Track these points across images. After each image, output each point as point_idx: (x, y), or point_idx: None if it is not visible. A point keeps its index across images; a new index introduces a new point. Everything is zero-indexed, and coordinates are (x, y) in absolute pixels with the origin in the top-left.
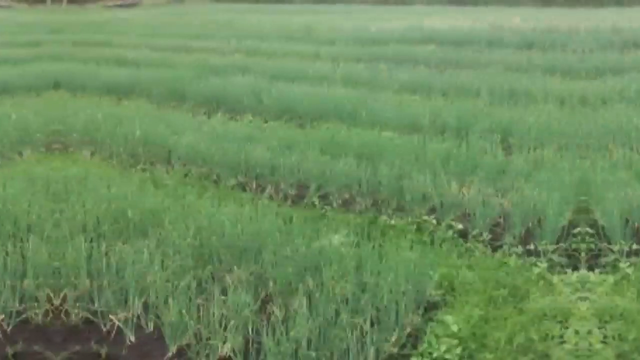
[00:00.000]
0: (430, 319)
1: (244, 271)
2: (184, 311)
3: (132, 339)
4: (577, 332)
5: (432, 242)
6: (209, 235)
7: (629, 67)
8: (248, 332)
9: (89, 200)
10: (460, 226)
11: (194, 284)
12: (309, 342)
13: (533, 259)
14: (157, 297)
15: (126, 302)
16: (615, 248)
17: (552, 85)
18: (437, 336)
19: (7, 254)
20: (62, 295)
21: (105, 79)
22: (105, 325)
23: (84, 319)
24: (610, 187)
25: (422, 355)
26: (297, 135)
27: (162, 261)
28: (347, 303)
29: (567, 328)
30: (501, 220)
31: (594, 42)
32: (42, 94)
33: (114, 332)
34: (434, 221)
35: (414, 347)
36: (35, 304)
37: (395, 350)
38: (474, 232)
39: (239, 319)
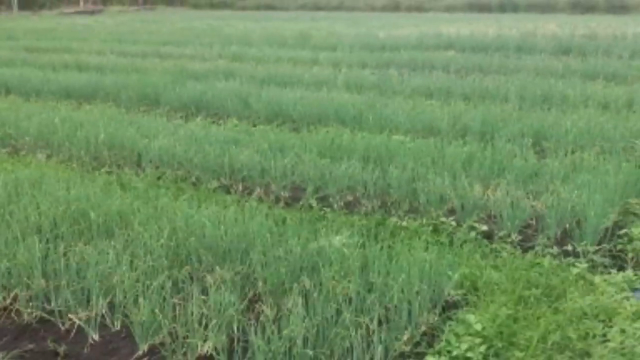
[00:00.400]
0: (449, 318)
1: (228, 271)
2: (156, 310)
3: (96, 337)
4: (623, 331)
5: (451, 243)
6: (186, 236)
7: None
8: (233, 331)
9: (45, 202)
10: (484, 228)
11: (168, 284)
12: (305, 340)
13: (571, 259)
14: (125, 296)
15: (88, 301)
16: None
17: (594, 90)
18: (457, 335)
19: None
20: (12, 295)
21: (63, 83)
22: (63, 324)
23: (39, 318)
24: None
25: (439, 353)
26: (290, 139)
27: (131, 262)
28: (350, 302)
29: (611, 327)
30: (533, 222)
31: None
32: None
33: (74, 331)
34: (453, 223)
35: (430, 345)
36: None
37: (407, 348)
38: (501, 234)
39: (221, 318)
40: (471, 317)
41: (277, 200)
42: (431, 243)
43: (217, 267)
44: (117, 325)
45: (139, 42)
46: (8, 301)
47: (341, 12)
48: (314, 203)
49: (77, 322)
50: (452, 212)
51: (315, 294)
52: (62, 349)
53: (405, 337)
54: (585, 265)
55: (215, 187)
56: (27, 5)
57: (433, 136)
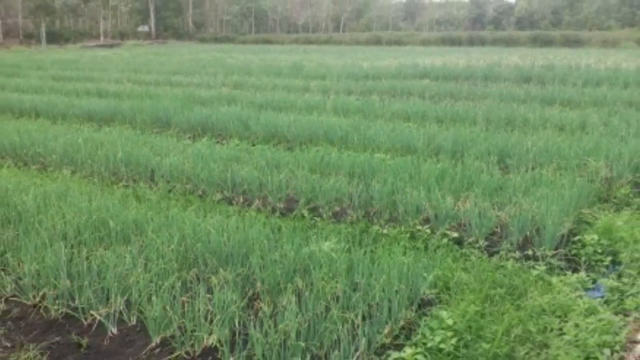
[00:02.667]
0: (425, 314)
1: (231, 273)
2: (167, 307)
3: (114, 331)
4: (577, 325)
5: (426, 248)
6: (194, 242)
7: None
8: (235, 326)
9: (69, 212)
10: (455, 235)
11: (178, 284)
12: (298, 334)
13: (531, 262)
14: (140, 295)
15: (108, 299)
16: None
17: (551, 113)
18: (431, 329)
19: None
20: (41, 293)
21: (86, 108)
22: (86, 319)
23: (64, 314)
24: None
25: (416, 345)
26: (285, 157)
27: (145, 264)
28: (337, 300)
29: (566, 322)
30: (498, 229)
31: (594, 77)
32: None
33: (95, 325)
34: (428, 230)
35: (408, 338)
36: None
37: (388, 340)
38: (470, 240)
39: (224, 314)
40: (444, 313)
41: (274, 210)
42: (409, 248)
43: (221, 269)
44: (133, 321)
45: (152, 72)
46: (37, 299)
47: (330, 46)
48: (305, 213)
49: (98, 317)
50: (427, 221)
51: (307, 293)
52: (84, 341)
53: (386, 331)
54: (543, 267)
55: (219, 199)
56: (54, 40)
57: (410, 154)
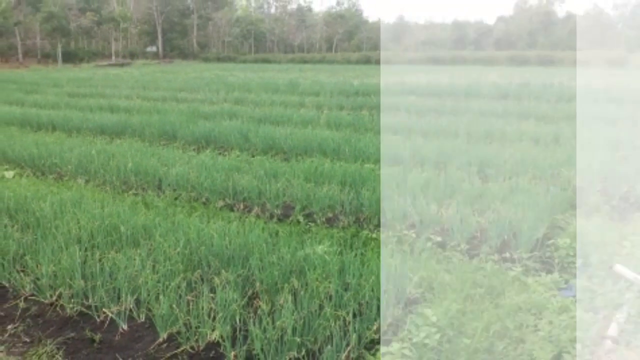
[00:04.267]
0: (410, 312)
1: (232, 274)
2: (174, 305)
3: (125, 327)
4: (551, 322)
5: (411, 251)
6: (198, 245)
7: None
8: (236, 322)
9: (84, 218)
10: (438, 239)
11: (183, 284)
12: (294, 330)
13: (509, 264)
14: (148, 294)
15: (119, 298)
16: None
17: (527, 127)
18: (416, 325)
19: None
20: (57, 293)
21: (98, 122)
22: (99, 317)
23: (79, 312)
24: None
25: (402, 340)
26: (282, 167)
27: (154, 266)
28: (330, 299)
29: (541, 319)
30: (478, 234)
31: (566, 94)
32: (38, 133)
33: (107, 322)
34: (414, 235)
35: (395, 334)
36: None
37: (376, 336)
38: (452, 244)
39: (226, 312)
40: (428, 311)
41: (271, 216)
42: (396, 251)
43: (223, 271)
44: (142, 318)
45: (159, 89)
46: (54, 298)
47: (323, 65)
48: (301, 219)
49: (110, 315)
50: (412, 226)
51: (302, 293)
52: (97, 337)
53: (375, 327)
54: (520, 269)
55: (222, 206)
56: (70, 59)
57: (397, 165)
